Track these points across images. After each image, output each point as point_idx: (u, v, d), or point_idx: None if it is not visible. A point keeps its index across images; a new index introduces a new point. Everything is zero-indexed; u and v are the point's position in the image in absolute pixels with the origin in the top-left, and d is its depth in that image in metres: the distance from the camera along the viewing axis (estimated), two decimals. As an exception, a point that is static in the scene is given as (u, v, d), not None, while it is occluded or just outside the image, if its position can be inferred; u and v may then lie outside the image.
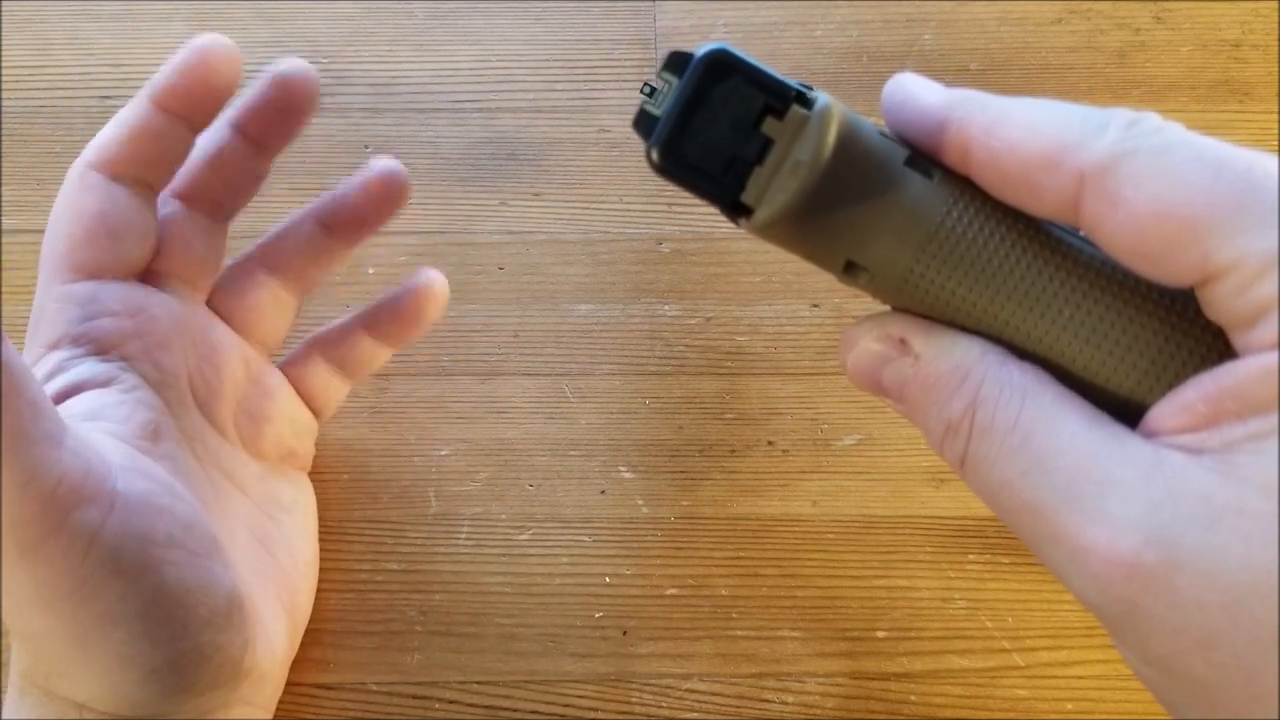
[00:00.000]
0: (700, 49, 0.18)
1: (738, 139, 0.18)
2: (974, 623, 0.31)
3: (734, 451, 0.33)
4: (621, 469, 0.33)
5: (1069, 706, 0.30)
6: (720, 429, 0.34)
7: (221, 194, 0.28)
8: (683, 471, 0.33)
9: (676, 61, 0.18)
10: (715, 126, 0.18)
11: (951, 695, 0.30)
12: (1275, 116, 0.38)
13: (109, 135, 0.25)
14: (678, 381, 0.34)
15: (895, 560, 0.32)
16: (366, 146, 0.38)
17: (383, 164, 0.28)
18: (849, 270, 0.19)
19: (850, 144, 0.18)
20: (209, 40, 0.26)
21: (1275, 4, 0.40)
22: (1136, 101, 0.38)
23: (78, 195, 0.25)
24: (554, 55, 0.39)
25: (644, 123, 0.19)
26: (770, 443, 0.34)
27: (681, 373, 0.34)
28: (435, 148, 0.38)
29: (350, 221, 0.29)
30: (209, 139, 0.27)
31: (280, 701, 0.29)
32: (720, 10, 0.40)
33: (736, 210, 0.18)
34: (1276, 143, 0.38)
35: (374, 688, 0.30)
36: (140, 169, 0.26)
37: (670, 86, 0.18)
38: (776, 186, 0.18)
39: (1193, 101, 0.38)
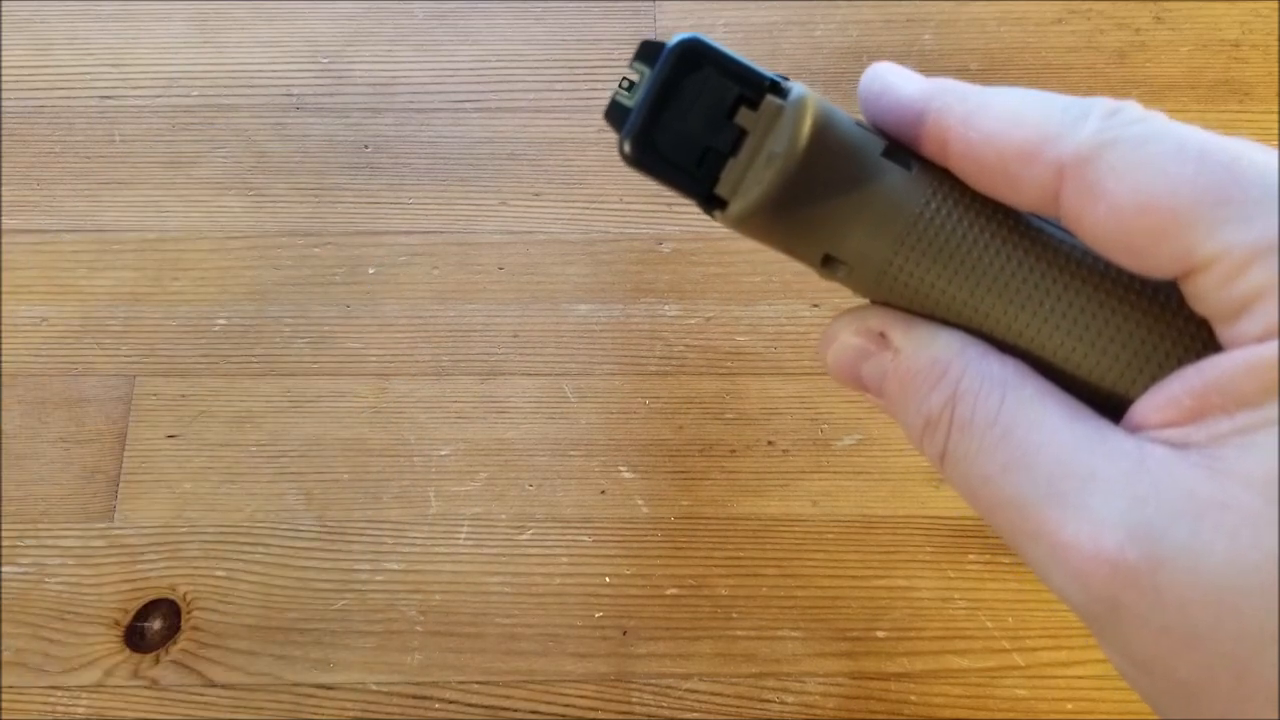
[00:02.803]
0: (672, 39, 0.18)
1: (711, 130, 0.18)
2: (974, 623, 0.31)
3: (734, 451, 0.33)
4: (621, 469, 0.33)
5: (1069, 706, 0.30)
6: (720, 429, 0.34)
7: None
8: (683, 471, 0.33)
9: (649, 51, 0.18)
10: (688, 117, 0.18)
11: (951, 695, 0.30)
12: (1275, 116, 0.38)
13: None
14: (678, 381, 0.34)
15: (895, 560, 0.32)
16: (367, 146, 0.38)
17: None
18: (827, 263, 0.18)
19: (826, 135, 0.17)
20: None
21: (1275, 4, 0.40)
22: (1137, 101, 0.38)
23: None
24: (554, 55, 0.39)
25: (616, 114, 0.18)
26: (770, 443, 0.34)
27: (681, 373, 0.34)
28: (435, 148, 0.38)
29: None
30: None
31: (281, 701, 0.29)
32: (720, 10, 0.40)
33: (711, 203, 0.18)
34: (1277, 142, 0.38)
35: (374, 687, 0.30)
36: None
37: (642, 77, 0.18)
38: (751, 179, 0.17)
39: (1193, 101, 0.38)
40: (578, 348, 0.35)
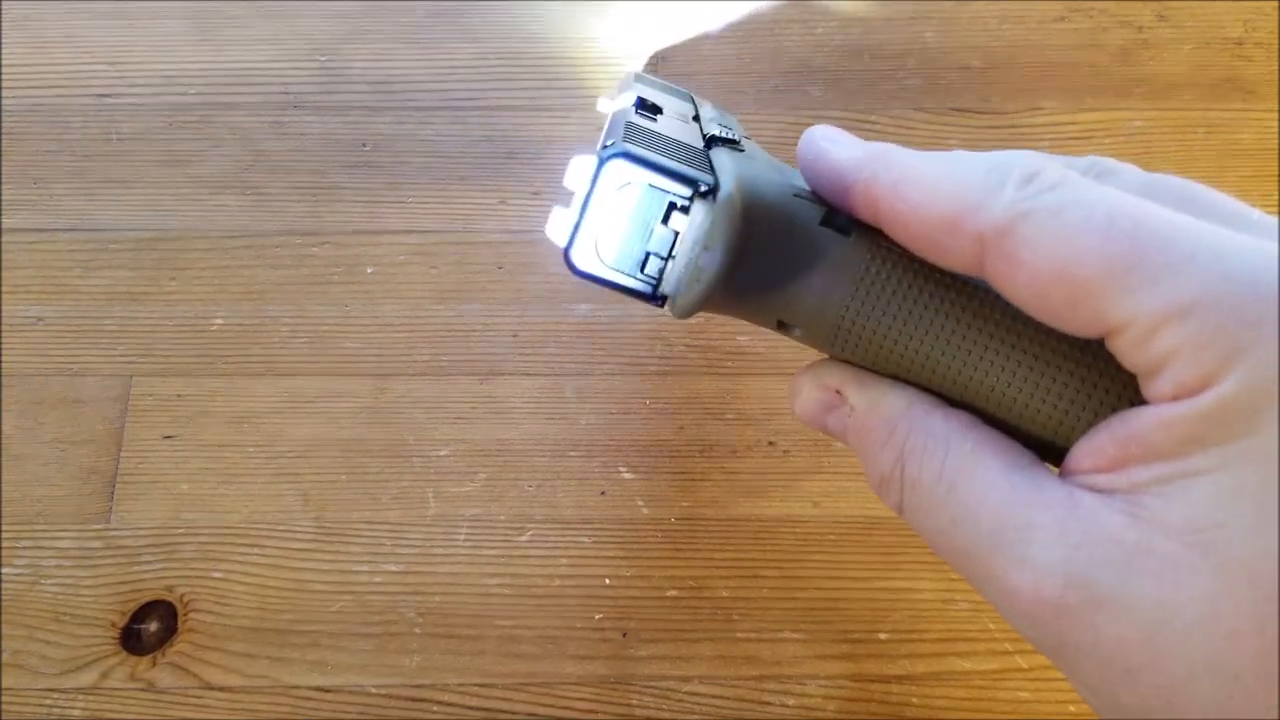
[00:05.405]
0: (604, 154, 0.18)
1: (648, 236, 0.19)
2: (976, 624, 0.31)
3: (735, 452, 0.33)
4: (621, 469, 0.33)
5: (1071, 709, 0.30)
6: (721, 429, 0.34)
7: None
8: (683, 472, 0.33)
9: (581, 169, 0.19)
10: (626, 227, 0.19)
11: (954, 698, 0.30)
12: (1278, 114, 0.38)
13: None
14: (678, 381, 0.34)
15: (897, 561, 0.32)
16: (365, 145, 0.37)
17: None
18: (781, 327, 0.19)
19: (760, 219, 0.18)
20: None
21: (1277, 2, 0.40)
22: (1140, 99, 0.38)
23: None
24: (553, 53, 0.39)
25: (558, 229, 0.19)
26: (771, 443, 0.33)
27: (681, 373, 0.34)
28: (434, 146, 0.37)
29: None
30: None
31: (278, 703, 0.28)
32: (720, 10, 0.40)
33: (658, 302, 0.19)
34: (1278, 141, 0.37)
35: (372, 690, 0.30)
36: None
37: (579, 193, 0.19)
38: (691, 276, 0.18)
39: (1196, 99, 0.38)
40: (578, 348, 0.35)
